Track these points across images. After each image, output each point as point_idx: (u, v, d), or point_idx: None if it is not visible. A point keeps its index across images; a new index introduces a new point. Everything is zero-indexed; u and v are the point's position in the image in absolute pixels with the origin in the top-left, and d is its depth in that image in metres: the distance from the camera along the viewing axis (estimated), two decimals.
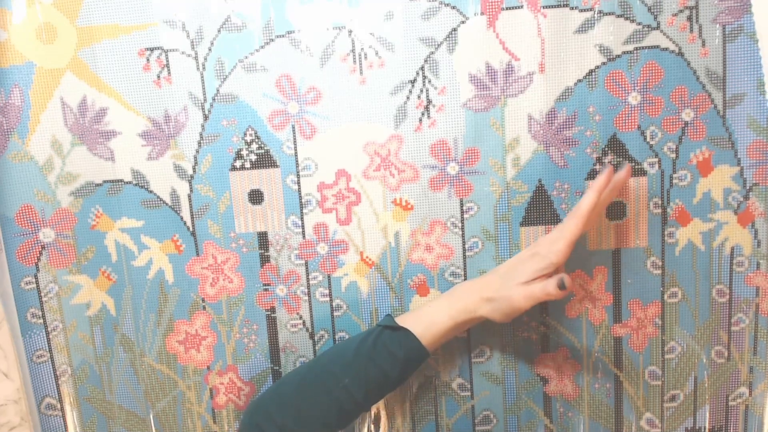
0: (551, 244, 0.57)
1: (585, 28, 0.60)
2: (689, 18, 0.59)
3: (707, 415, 0.66)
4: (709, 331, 0.65)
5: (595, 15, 0.59)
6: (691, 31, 0.59)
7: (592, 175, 0.62)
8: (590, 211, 0.56)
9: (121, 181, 0.65)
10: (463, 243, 0.65)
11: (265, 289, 0.67)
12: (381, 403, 0.68)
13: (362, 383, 0.58)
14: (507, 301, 0.57)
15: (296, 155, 0.64)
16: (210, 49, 0.62)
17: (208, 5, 0.61)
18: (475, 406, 0.68)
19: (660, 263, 0.64)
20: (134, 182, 0.65)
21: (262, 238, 0.66)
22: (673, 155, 0.62)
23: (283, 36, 0.61)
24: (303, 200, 0.65)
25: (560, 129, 0.62)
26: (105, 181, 0.65)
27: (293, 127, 0.63)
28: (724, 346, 0.65)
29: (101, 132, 0.64)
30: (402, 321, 0.60)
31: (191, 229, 0.66)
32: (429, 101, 0.62)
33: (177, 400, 0.69)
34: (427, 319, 0.60)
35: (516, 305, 0.57)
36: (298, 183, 0.64)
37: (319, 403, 0.58)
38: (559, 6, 0.59)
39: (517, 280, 0.57)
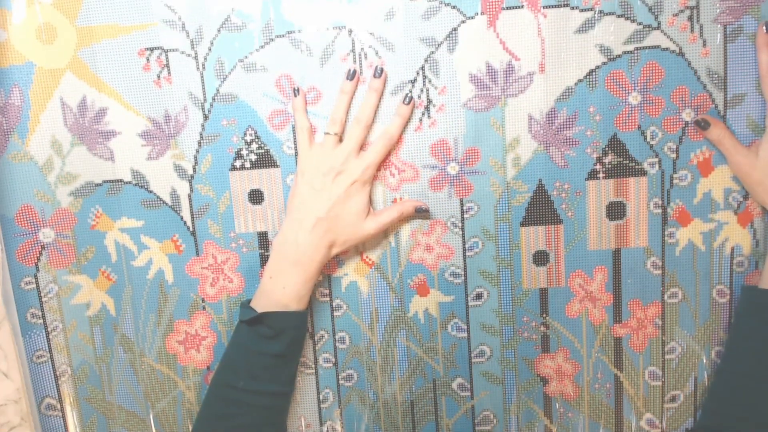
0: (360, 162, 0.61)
1: (585, 28, 0.60)
2: (690, 18, 0.59)
3: None
4: (710, 332, 0.65)
5: (596, 15, 0.59)
6: (692, 31, 0.59)
7: (592, 175, 0.62)
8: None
9: (121, 181, 0.65)
10: (464, 243, 0.65)
11: None
12: (381, 403, 0.68)
13: (258, 375, 0.59)
14: (359, 237, 0.62)
15: (296, 155, 0.64)
16: (210, 49, 0.62)
17: (208, 5, 0.61)
18: (475, 406, 0.68)
19: (660, 263, 0.64)
20: (134, 182, 0.65)
21: (262, 238, 0.66)
22: (674, 155, 0.62)
23: (283, 36, 0.61)
24: None
25: (560, 129, 0.62)
26: (105, 181, 0.65)
27: (293, 127, 0.63)
28: (724, 346, 0.65)
29: (101, 132, 0.64)
30: (259, 303, 0.60)
31: (191, 229, 0.65)
32: (429, 101, 0.62)
33: (177, 401, 0.69)
34: (283, 294, 0.60)
35: (368, 235, 0.62)
36: None
37: (234, 416, 0.59)
38: (559, 6, 0.59)
39: (356, 219, 0.61)
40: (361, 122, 0.61)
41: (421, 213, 0.63)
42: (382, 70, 0.60)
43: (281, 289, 0.60)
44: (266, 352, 0.60)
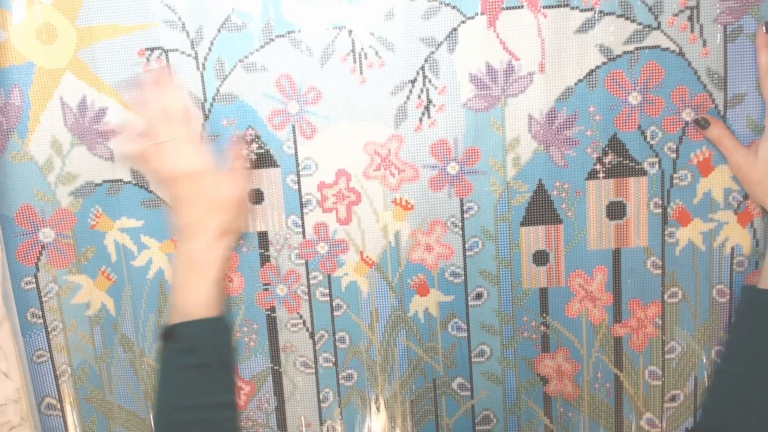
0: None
1: (585, 28, 0.60)
2: (690, 18, 0.59)
3: None
4: (710, 332, 0.65)
5: (596, 15, 0.59)
6: (692, 31, 0.59)
7: (592, 174, 0.62)
8: None
9: (121, 180, 0.65)
10: (464, 243, 0.65)
11: (265, 289, 0.67)
12: (381, 403, 0.68)
13: (186, 391, 0.57)
14: (227, 204, 0.60)
15: (296, 155, 0.64)
16: (210, 49, 0.62)
17: (208, 5, 0.61)
18: (475, 406, 0.68)
19: (660, 263, 0.64)
20: (134, 182, 0.65)
21: (262, 238, 0.66)
22: (674, 155, 0.62)
23: (283, 36, 0.61)
24: (303, 200, 0.65)
25: (560, 129, 0.62)
26: (104, 181, 0.65)
27: (293, 127, 0.63)
28: (724, 346, 0.65)
29: (101, 132, 0.64)
30: (172, 320, 0.59)
31: None
32: (429, 101, 0.62)
33: None
34: (188, 304, 0.58)
35: (243, 199, 0.62)
36: (298, 183, 0.64)
37: None
38: (559, 6, 0.59)
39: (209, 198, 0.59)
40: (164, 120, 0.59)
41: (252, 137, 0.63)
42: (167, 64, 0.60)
43: (185, 300, 0.58)
44: (185, 365, 0.57)
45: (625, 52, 0.60)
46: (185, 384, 0.57)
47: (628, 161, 0.62)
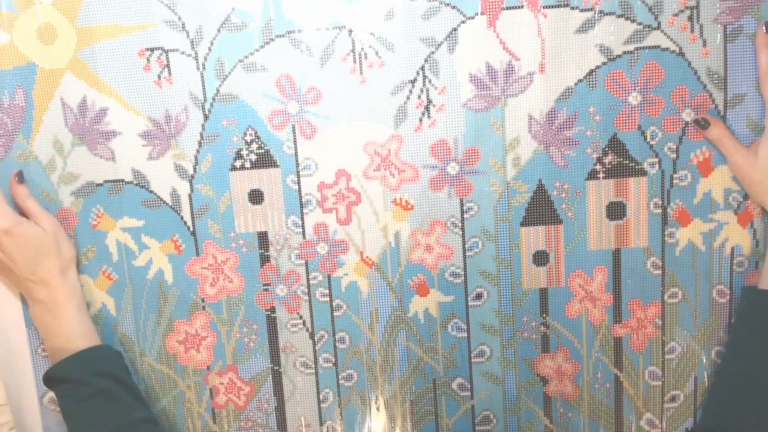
0: None
1: (585, 28, 0.60)
2: (690, 18, 0.59)
3: None
4: (710, 332, 0.65)
5: (596, 15, 0.59)
6: (692, 31, 0.59)
7: (592, 175, 0.62)
8: None
9: (122, 181, 0.65)
10: (464, 243, 0.65)
11: (265, 289, 0.67)
12: (381, 403, 0.68)
13: (101, 419, 0.58)
14: (65, 241, 0.63)
15: (296, 155, 0.64)
16: (210, 49, 0.62)
17: (208, 5, 0.61)
18: (475, 406, 0.68)
19: (660, 263, 0.64)
20: (135, 182, 0.65)
21: (262, 238, 0.66)
22: (674, 155, 0.62)
23: (283, 36, 0.61)
24: (303, 200, 0.65)
25: (560, 129, 0.62)
26: (106, 181, 0.65)
27: (293, 127, 0.63)
28: (725, 346, 0.65)
29: (102, 132, 0.64)
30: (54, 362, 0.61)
31: (191, 229, 0.66)
32: (429, 101, 0.62)
33: (177, 400, 0.69)
34: (62, 342, 0.60)
35: (58, 229, 0.63)
36: (298, 183, 0.64)
37: None
38: (559, 6, 0.59)
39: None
40: None
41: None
42: None
43: (58, 342, 0.60)
44: (83, 397, 0.58)
45: (625, 52, 0.60)
46: (93, 414, 0.58)
47: (628, 161, 0.62)
